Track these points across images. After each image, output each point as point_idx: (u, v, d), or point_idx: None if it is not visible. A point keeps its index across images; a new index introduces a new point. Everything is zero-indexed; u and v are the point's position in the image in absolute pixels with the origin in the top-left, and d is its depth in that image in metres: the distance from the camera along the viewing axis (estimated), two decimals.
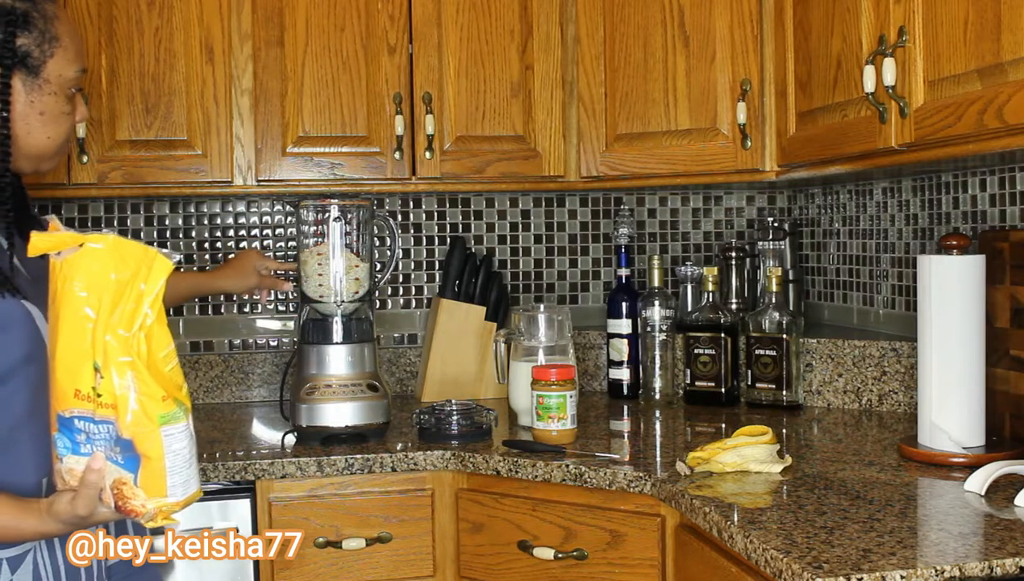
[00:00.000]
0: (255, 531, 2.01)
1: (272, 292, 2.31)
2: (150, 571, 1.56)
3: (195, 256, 2.72)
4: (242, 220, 2.75)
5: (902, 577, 1.25)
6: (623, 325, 2.59)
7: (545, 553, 1.92)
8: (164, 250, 1.25)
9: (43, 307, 1.32)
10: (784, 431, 2.17)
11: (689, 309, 2.59)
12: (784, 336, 2.40)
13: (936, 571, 1.27)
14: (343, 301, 2.22)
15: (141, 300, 1.22)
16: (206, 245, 2.73)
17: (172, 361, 1.26)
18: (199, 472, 1.29)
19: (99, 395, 1.21)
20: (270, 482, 2.02)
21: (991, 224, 2.10)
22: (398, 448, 2.08)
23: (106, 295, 1.22)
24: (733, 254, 2.70)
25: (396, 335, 2.82)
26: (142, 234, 2.71)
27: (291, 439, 2.18)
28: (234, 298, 2.74)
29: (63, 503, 1.26)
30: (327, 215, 2.23)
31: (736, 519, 1.50)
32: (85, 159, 2.26)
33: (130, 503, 1.23)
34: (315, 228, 2.25)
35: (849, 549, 1.34)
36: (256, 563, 2.00)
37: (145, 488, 1.23)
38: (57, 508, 1.27)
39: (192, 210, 2.73)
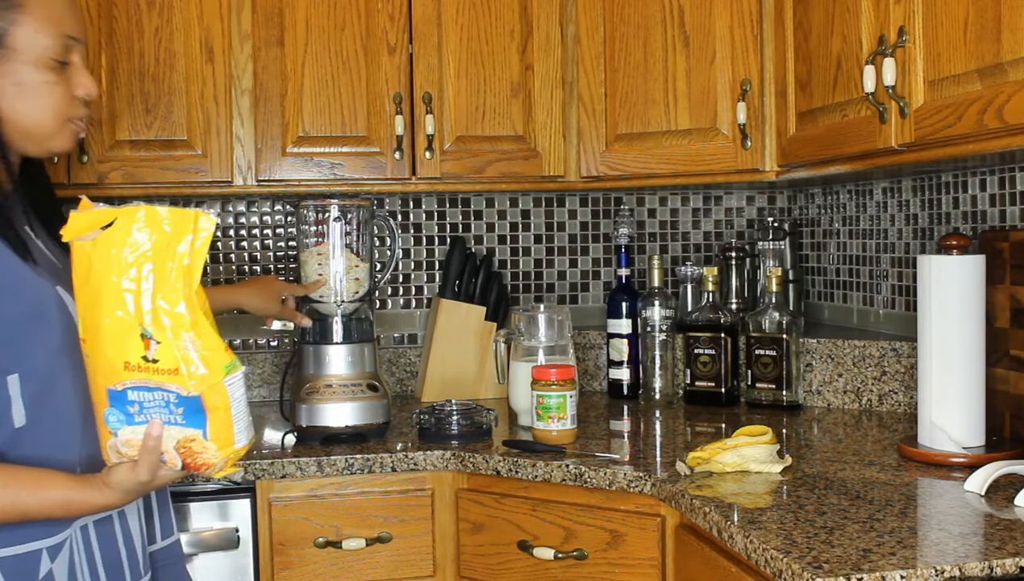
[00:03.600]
0: (255, 531, 2.01)
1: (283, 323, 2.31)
2: (179, 555, 1.60)
3: None
4: (242, 220, 2.75)
5: (902, 577, 1.25)
6: (623, 325, 2.59)
7: (545, 553, 1.92)
8: (204, 208, 1.25)
9: (71, 292, 1.32)
10: (784, 431, 2.17)
11: (689, 309, 2.59)
12: (784, 336, 2.40)
13: (936, 571, 1.27)
14: (343, 301, 2.22)
15: (192, 259, 1.23)
16: None
17: (211, 317, 1.28)
18: (252, 422, 1.32)
19: (155, 362, 1.22)
20: (270, 482, 2.02)
21: (991, 224, 2.10)
22: (398, 448, 2.08)
23: (147, 263, 1.22)
24: (733, 254, 2.70)
25: (396, 335, 2.82)
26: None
27: (291, 439, 2.18)
28: None
29: (123, 472, 1.28)
30: (327, 215, 2.23)
31: (736, 519, 1.50)
32: (85, 159, 2.26)
33: (200, 458, 1.26)
34: (315, 228, 2.25)
35: (849, 549, 1.34)
36: (256, 563, 2.01)
37: (215, 439, 1.25)
38: (117, 478, 1.28)
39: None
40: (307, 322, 2.21)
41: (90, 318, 1.25)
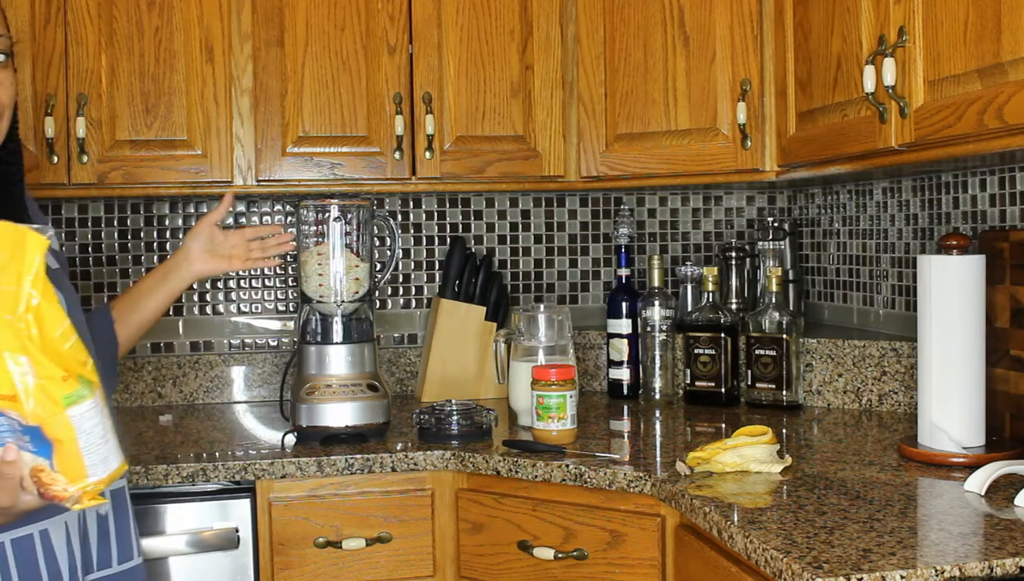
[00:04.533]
0: (255, 531, 2.01)
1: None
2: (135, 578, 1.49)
3: None
4: (242, 220, 2.75)
5: (902, 577, 1.25)
6: (623, 325, 2.59)
7: (545, 553, 1.92)
8: (36, 226, 1.18)
9: None
10: (784, 431, 2.17)
11: (689, 309, 2.59)
12: (784, 336, 2.40)
13: (936, 571, 1.27)
14: (343, 301, 2.22)
15: (21, 280, 1.15)
16: None
17: (70, 338, 1.19)
18: (119, 446, 1.21)
19: None
20: (270, 482, 2.02)
21: (991, 224, 2.10)
22: (398, 448, 2.08)
23: None
24: (733, 254, 2.70)
25: (396, 335, 2.82)
26: (142, 234, 2.71)
27: (291, 439, 2.18)
28: (234, 297, 2.74)
29: None
30: (327, 215, 2.23)
31: (736, 519, 1.50)
32: (85, 159, 2.26)
33: (51, 489, 1.18)
34: (315, 228, 2.25)
35: (849, 549, 1.34)
36: (256, 563, 2.01)
37: (64, 472, 1.17)
38: None
39: (192, 210, 2.73)
40: (272, 261, 2.00)
41: None
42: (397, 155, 2.37)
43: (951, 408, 1.81)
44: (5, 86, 1.38)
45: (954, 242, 1.81)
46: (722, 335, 2.48)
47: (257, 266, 1.97)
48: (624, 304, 2.59)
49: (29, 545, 1.33)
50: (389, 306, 2.82)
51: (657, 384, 2.53)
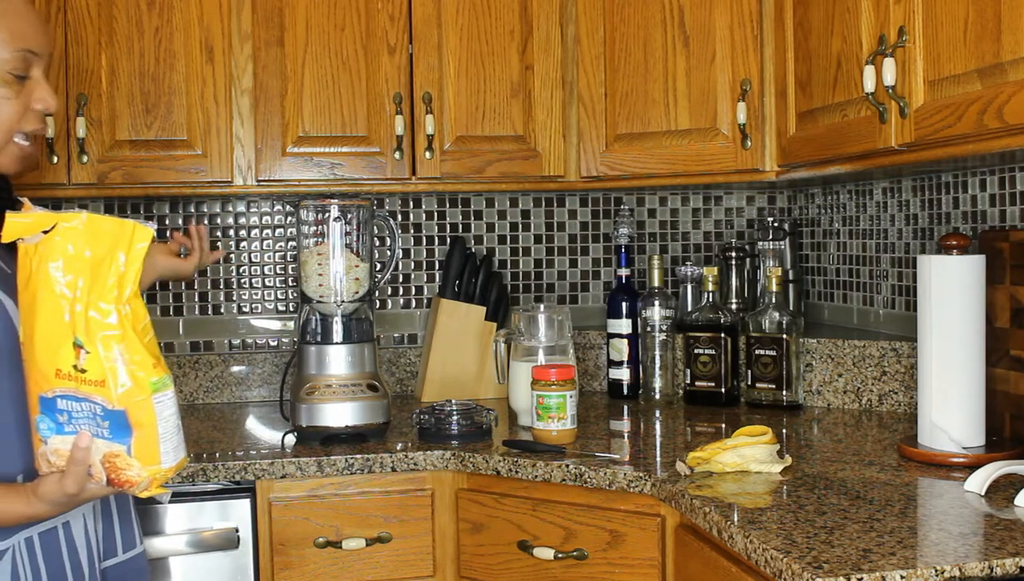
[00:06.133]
0: (255, 531, 2.01)
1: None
2: (142, 569, 1.55)
3: None
4: (242, 220, 2.75)
5: (902, 577, 1.25)
6: (623, 325, 2.59)
7: (545, 553, 1.92)
8: (141, 220, 1.23)
9: (13, 296, 1.30)
10: (784, 431, 2.17)
11: (689, 309, 2.59)
12: (784, 336, 2.40)
13: (936, 571, 1.27)
14: (343, 301, 2.22)
15: (126, 271, 1.23)
16: None
17: (150, 333, 1.26)
18: (184, 441, 1.30)
19: (83, 371, 1.21)
20: (270, 482, 2.02)
21: (991, 224, 2.10)
22: (398, 448, 2.08)
23: (84, 273, 1.22)
24: (733, 254, 2.70)
25: (396, 335, 2.82)
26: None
27: (291, 439, 2.18)
28: (234, 297, 2.74)
29: (51, 483, 1.25)
30: (327, 215, 2.23)
31: (736, 519, 1.50)
32: (85, 159, 2.26)
33: (124, 474, 1.24)
34: (315, 228, 2.25)
35: (849, 549, 1.34)
36: (256, 563, 2.01)
37: (139, 457, 1.23)
38: (45, 489, 1.26)
39: (192, 210, 2.73)
40: (213, 257, 2.11)
41: (27, 323, 1.24)
42: (397, 155, 2.37)
43: (951, 408, 1.81)
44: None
45: (954, 242, 1.81)
46: (722, 335, 2.48)
47: (205, 260, 2.08)
48: (624, 304, 2.59)
49: (54, 538, 1.37)
50: (389, 306, 2.82)
51: (657, 384, 2.53)
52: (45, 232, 1.23)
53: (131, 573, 1.51)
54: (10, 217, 1.23)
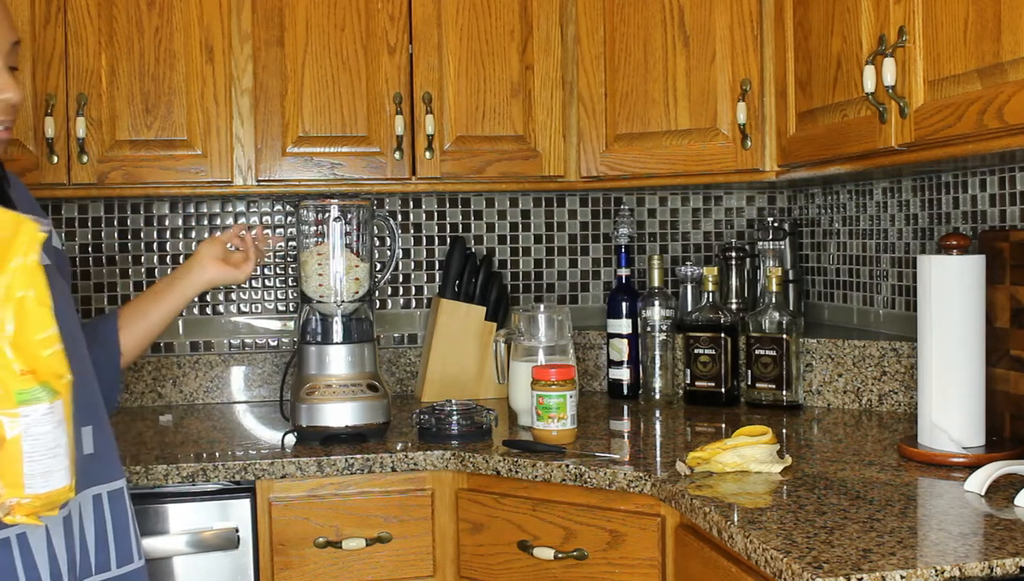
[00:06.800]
0: (255, 531, 2.01)
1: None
2: None
3: None
4: (242, 220, 2.75)
5: (902, 577, 1.25)
6: (623, 325, 2.59)
7: (545, 553, 1.92)
8: (34, 217, 1.14)
9: None
10: (784, 431, 2.17)
11: (689, 309, 2.59)
12: (784, 336, 2.40)
13: (936, 571, 1.27)
14: (343, 301, 2.22)
15: (5, 271, 1.11)
16: None
17: (52, 346, 1.14)
18: (69, 468, 1.15)
19: None
20: (270, 482, 2.02)
21: (991, 224, 2.10)
22: (398, 448, 2.08)
23: None
24: (733, 254, 2.70)
25: (396, 335, 2.82)
26: (142, 234, 2.71)
27: (291, 439, 2.18)
28: (234, 297, 2.74)
29: None
30: (327, 215, 2.23)
31: (736, 519, 1.50)
32: (85, 159, 2.26)
33: None
34: (315, 228, 2.25)
35: (849, 549, 1.34)
36: (256, 563, 2.01)
37: (1, 476, 1.11)
38: None
39: (192, 210, 2.73)
40: (257, 256, 1.91)
41: None
42: (397, 155, 2.37)
43: (951, 408, 1.81)
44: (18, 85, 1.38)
45: (954, 242, 1.81)
46: (722, 335, 2.48)
47: (259, 261, 1.92)
48: (624, 304, 2.59)
49: (6, 548, 1.26)
50: (389, 306, 2.82)
51: (657, 384, 2.53)
52: None
53: None
54: None
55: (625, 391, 2.61)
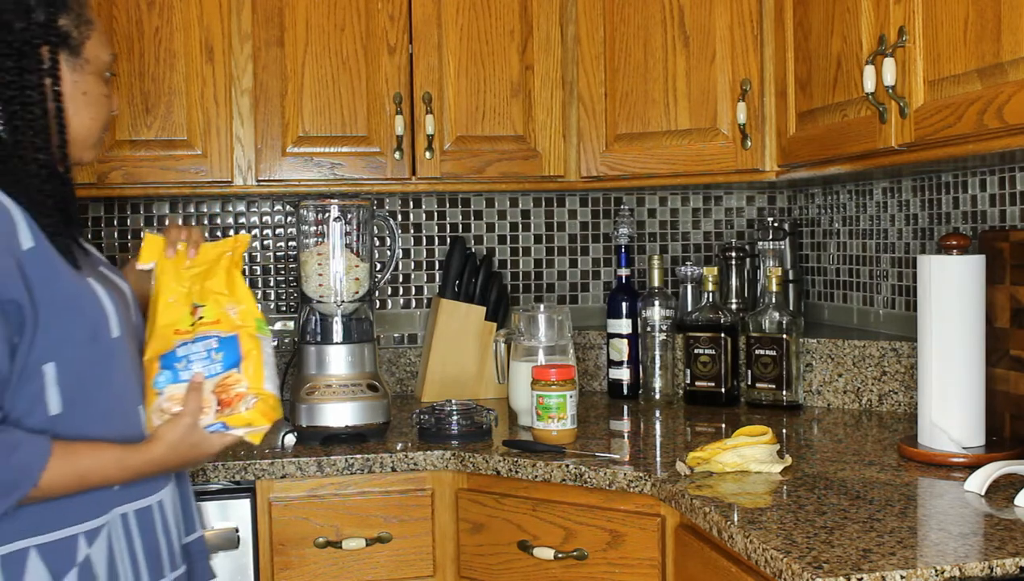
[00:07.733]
0: (255, 531, 2.01)
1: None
2: (208, 553, 1.62)
3: None
4: (242, 220, 2.75)
5: (902, 577, 1.25)
6: (623, 325, 2.59)
7: (545, 553, 1.92)
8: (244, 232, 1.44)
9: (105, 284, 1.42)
10: (784, 431, 2.17)
11: (689, 309, 2.59)
12: (784, 336, 2.40)
13: (936, 571, 1.27)
14: (343, 301, 2.22)
15: (234, 259, 1.54)
16: None
17: (255, 308, 1.51)
18: (278, 389, 1.48)
19: (200, 318, 1.44)
20: (270, 482, 2.02)
21: (991, 224, 2.10)
22: (398, 448, 2.08)
23: (196, 268, 1.51)
24: (733, 254, 2.70)
25: (396, 335, 2.82)
26: (142, 234, 2.70)
27: (291, 439, 2.18)
28: None
29: (167, 424, 1.38)
30: (327, 215, 2.23)
31: (736, 519, 1.50)
32: None
33: (233, 390, 1.41)
34: (315, 228, 2.25)
35: (849, 549, 1.34)
36: (256, 563, 2.01)
37: (248, 378, 1.42)
38: (162, 430, 1.38)
39: (192, 210, 2.73)
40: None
41: (153, 304, 1.47)
42: (397, 155, 2.37)
43: (951, 408, 1.81)
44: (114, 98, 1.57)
45: (954, 242, 1.81)
46: (722, 335, 2.48)
47: None
48: (624, 304, 2.59)
49: (149, 516, 1.44)
50: (389, 306, 2.82)
51: (657, 384, 2.53)
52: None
53: (199, 553, 1.57)
54: (149, 238, 1.54)
55: (625, 391, 2.61)
